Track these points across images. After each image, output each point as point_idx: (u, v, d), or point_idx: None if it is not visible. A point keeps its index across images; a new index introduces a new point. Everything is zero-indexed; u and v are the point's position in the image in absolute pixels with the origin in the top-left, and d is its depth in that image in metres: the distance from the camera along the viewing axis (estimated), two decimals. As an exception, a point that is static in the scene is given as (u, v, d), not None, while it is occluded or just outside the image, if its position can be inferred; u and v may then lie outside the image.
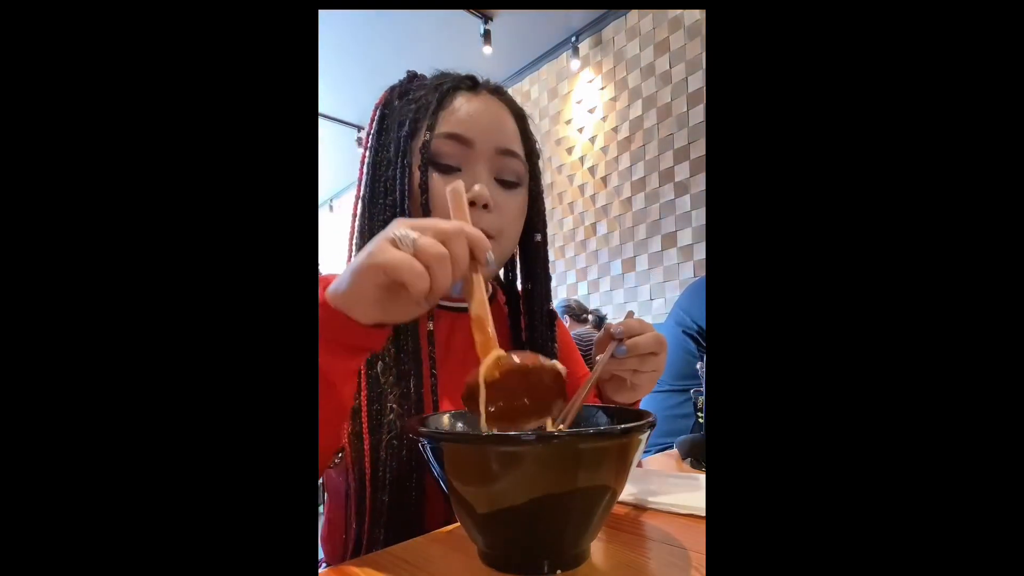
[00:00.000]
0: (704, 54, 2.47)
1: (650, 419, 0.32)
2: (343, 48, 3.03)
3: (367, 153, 0.57)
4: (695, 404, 0.76)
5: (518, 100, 0.60)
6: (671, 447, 0.78)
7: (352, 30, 2.89)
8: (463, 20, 2.86)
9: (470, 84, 0.56)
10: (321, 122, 3.76)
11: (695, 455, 0.66)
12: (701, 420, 0.74)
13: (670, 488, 0.49)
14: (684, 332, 1.09)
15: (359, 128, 3.82)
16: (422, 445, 0.32)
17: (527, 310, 0.61)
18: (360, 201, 0.56)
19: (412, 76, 0.59)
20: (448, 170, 0.52)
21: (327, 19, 2.77)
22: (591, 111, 3.02)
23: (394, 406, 0.48)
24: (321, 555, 0.58)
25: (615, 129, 2.90)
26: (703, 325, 1.07)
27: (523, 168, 0.56)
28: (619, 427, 0.31)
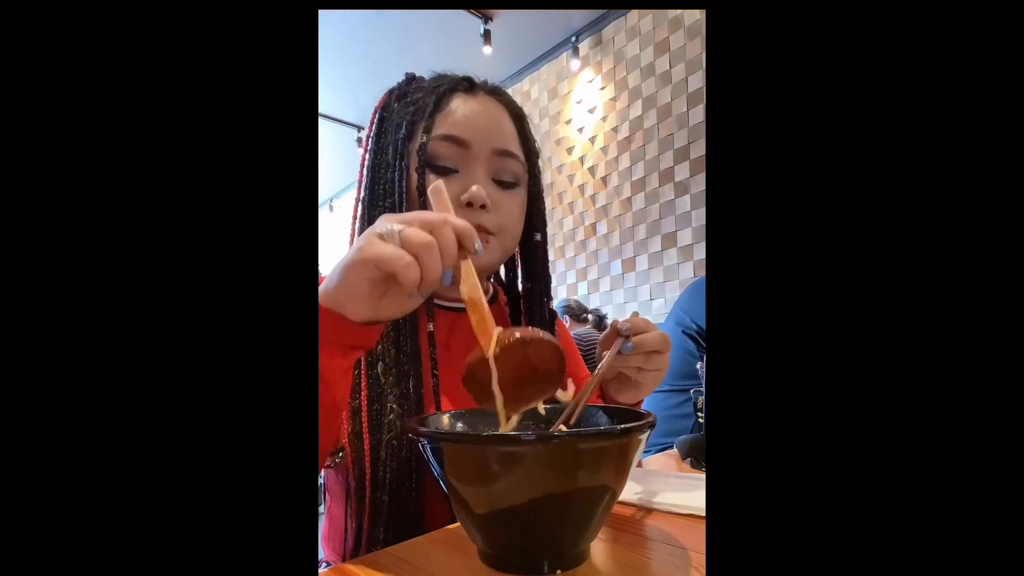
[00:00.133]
0: (704, 54, 2.47)
1: (650, 419, 0.32)
2: (343, 48, 3.03)
3: (366, 156, 0.57)
4: (695, 404, 0.76)
5: (518, 100, 0.60)
6: (671, 447, 0.78)
7: (352, 30, 2.89)
8: (463, 20, 2.86)
9: (467, 85, 0.56)
10: (321, 122, 3.75)
11: (695, 455, 0.66)
12: (701, 420, 0.74)
13: (670, 488, 0.49)
14: (684, 332, 1.09)
15: (359, 128, 3.82)
16: (422, 445, 0.32)
17: (527, 310, 0.61)
18: (360, 204, 0.56)
19: (410, 78, 0.59)
20: (445, 172, 0.52)
21: (327, 19, 2.77)
22: (591, 111, 3.02)
23: (394, 406, 0.48)
24: (322, 555, 0.58)
25: (615, 129, 2.90)
26: (703, 325, 1.07)
27: (521, 168, 0.56)
28: (619, 427, 0.31)
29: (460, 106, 0.53)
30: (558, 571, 0.33)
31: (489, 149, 0.53)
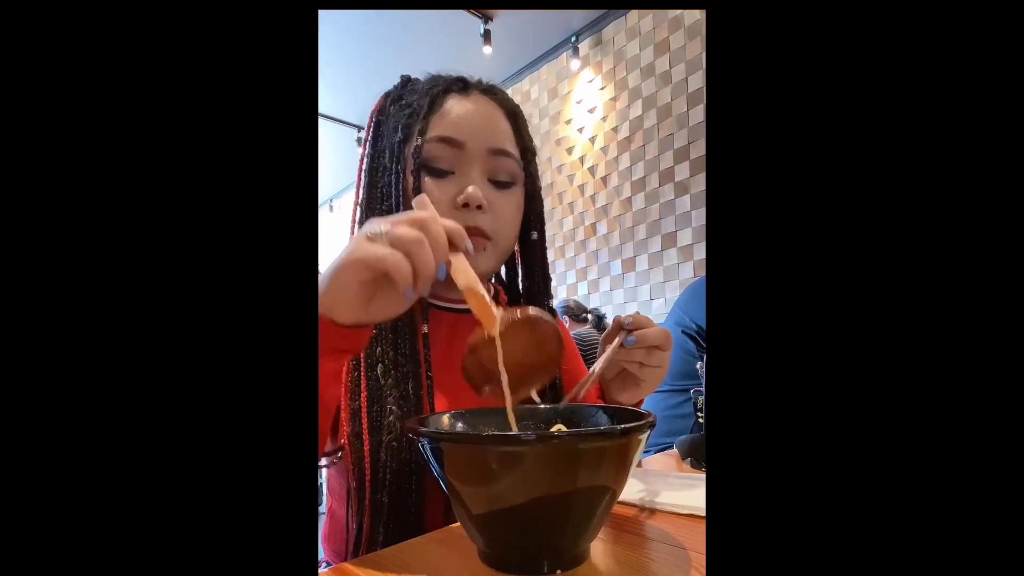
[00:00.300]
0: (704, 54, 2.47)
1: (650, 419, 0.32)
2: (343, 48, 3.03)
3: (364, 161, 0.57)
4: (695, 404, 0.76)
5: (518, 100, 0.60)
6: (671, 447, 0.78)
7: (352, 30, 2.89)
8: (463, 20, 2.86)
9: (461, 86, 0.56)
10: (321, 122, 3.76)
11: (695, 455, 0.66)
12: (701, 420, 0.74)
13: (670, 488, 0.49)
14: (684, 332, 1.09)
15: (359, 128, 3.82)
16: (422, 445, 0.32)
17: None
18: (358, 208, 0.56)
19: (406, 81, 0.59)
20: (441, 174, 0.52)
21: (327, 19, 2.77)
22: (591, 111, 3.02)
23: (394, 408, 0.48)
24: (322, 555, 0.58)
25: (615, 129, 2.90)
26: (703, 325, 1.07)
27: (517, 167, 0.56)
28: (619, 427, 0.31)
29: (454, 107, 0.53)
30: (558, 571, 0.33)
31: (484, 149, 0.53)
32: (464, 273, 0.35)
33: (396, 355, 0.50)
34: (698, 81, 2.56)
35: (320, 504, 0.70)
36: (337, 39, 2.94)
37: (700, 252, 2.53)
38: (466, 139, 0.52)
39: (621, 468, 0.32)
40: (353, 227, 0.56)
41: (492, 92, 0.57)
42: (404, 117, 0.54)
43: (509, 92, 0.60)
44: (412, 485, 0.48)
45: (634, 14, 2.82)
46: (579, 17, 2.96)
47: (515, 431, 0.38)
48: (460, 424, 0.41)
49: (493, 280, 0.68)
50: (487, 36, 2.91)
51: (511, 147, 0.55)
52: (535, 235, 0.60)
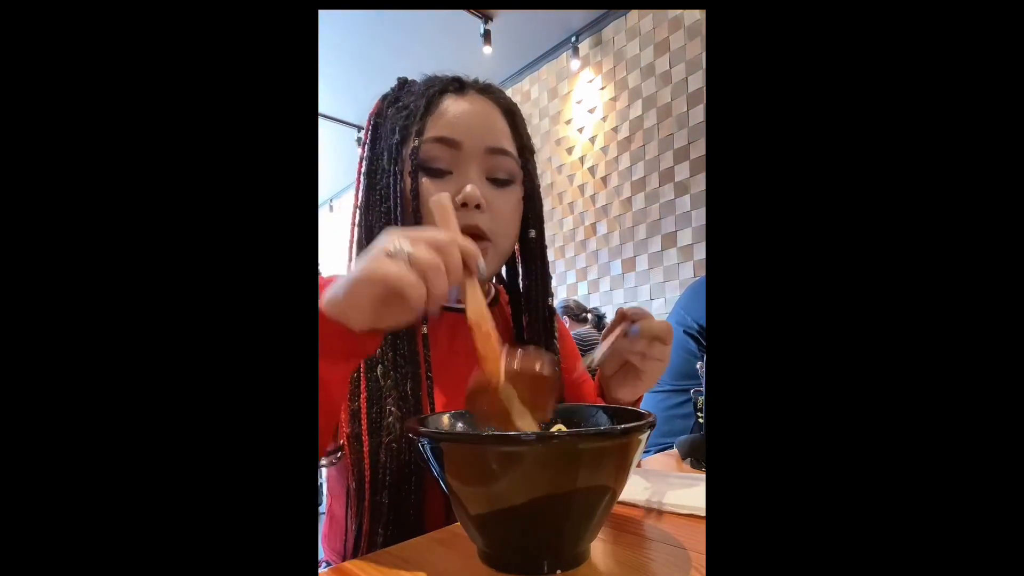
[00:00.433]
0: (704, 54, 2.47)
1: (650, 419, 0.32)
2: (343, 48, 3.03)
3: (362, 163, 0.57)
4: (695, 404, 0.76)
5: (518, 100, 0.60)
6: (671, 447, 0.78)
7: (352, 30, 2.89)
8: (463, 20, 2.86)
9: (457, 86, 0.56)
10: (321, 122, 3.76)
11: (695, 455, 0.66)
12: (701, 420, 0.74)
13: (670, 488, 0.49)
14: (685, 332, 1.09)
15: (359, 128, 3.82)
16: (422, 445, 0.32)
17: (527, 308, 0.61)
18: (358, 210, 0.56)
19: (403, 83, 0.59)
20: (439, 174, 0.52)
21: (327, 19, 2.77)
22: (591, 111, 3.02)
23: (393, 408, 0.48)
24: (322, 555, 0.58)
25: (615, 129, 2.90)
26: (704, 324, 1.07)
27: (515, 165, 0.56)
28: (619, 427, 0.31)
29: (450, 107, 0.54)
30: (558, 571, 0.33)
31: (481, 148, 0.53)
32: (475, 309, 0.36)
33: (395, 356, 0.50)
34: (698, 81, 2.55)
35: (320, 504, 0.70)
36: (337, 39, 2.94)
37: (700, 252, 2.53)
38: (463, 139, 0.52)
39: (621, 468, 0.32)
40: (353, 228, 0.56)
41: (488, 91, 0.57)
42: (401, 119, 0.54)
43: (509, 92, 0.60)
44: (412, 486, 0.48)
45: (634, 14, 2.82)
46: (579, 17, 2.96)
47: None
48: (460, 424, 0.41)
49: (493, 279, 0.68)
50: (487, 36, 2.91)
51: (508, 145, 0.55)
52: (534, 233, 0.60)
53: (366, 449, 0.47)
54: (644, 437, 0.31)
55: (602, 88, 2.97)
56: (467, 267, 0.36)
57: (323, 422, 0.42)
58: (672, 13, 2.65)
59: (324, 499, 0.61)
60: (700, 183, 2.53)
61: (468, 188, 0.51)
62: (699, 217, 2.53)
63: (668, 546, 0.37)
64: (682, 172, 2.61)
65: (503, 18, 2.90)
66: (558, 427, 0.41)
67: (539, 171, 0.62)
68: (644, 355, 0.51)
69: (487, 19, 2.89)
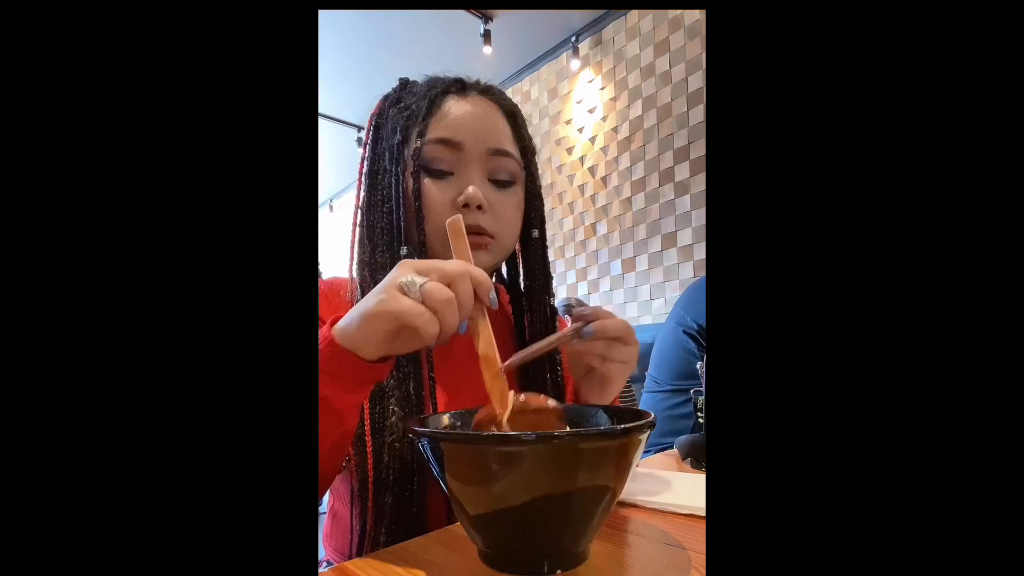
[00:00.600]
0: (704, 54, 2.47)
1: (650, 419, 0.32)
2: (343, 48, 3.03)
3: (363, 163, 0.57)
4: (695, 404, 0.76)
5: (518, 100, 0.60)
6: (671, 447, 0.78)
7: (352, 30, 2.89)
8: (463, 20, 2.86)
9: (459, 87, 0.56)
10: (321, 122, 3.75)
11: (695, 455, 0.66)
12: (701, 420, 0.74)
13: (670, 488, 0.49)
14: (685, 332, 1.09)
15: (359, 128, 3.82)
16: (422, 445, 0.32)
17: (528, 308, 0.61)
18: (359, 210, 0.56)
19: (404, 84, 0.60)
20: (441, 175, 0.52)
21: (327, 19, 2.77)
22: (591, 111, 3.02)
23: (395, 408, 0.48)
24: (324, 554, 0.58)
25: (615, 129, 2.90)
26: (703, 324, 1.07)
27: (517, 166, 0.56)
28: (619, 427, 0.31)
29: (452, 108, 0.54)
30: (558, 571, 0.33)
31: (483, 149, 0.53)
32: (486, 344, 0.37)
33: (397, 356, 0.50)
34: (698, 81, 2.55)
35: (322, 504, 0.70)
36: (337, 39, 2.94)
37: (700, 252, 2.53)
38: (465, 140, 0.52)
39: (621, 468, 0.32)
40: (354, 229, 0.57)
41: (490, 92, 0.57)
42: (403, 119, 0.54)
43: (509, 92, 0.60)
44: (415, 485, 0.48)
45: (634, 14, 2.82)
46: (579, 17, 2.96)
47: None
48: (460, 424, 0.41)
49: (494, 279, 0.68)
50: (487, 36, 2.91)
51: (510, 147, 0.55)
52: (536, 234, 0.61)
53: (369, 449, 0.48)
54: (644, 437, 0.31)
55: (602, 88, 2.97)
56: (478, 299, 0.37)
57: (335, 447, 0.42)
58: (672, 13, 2.65)
59: (326, 498, 0.61)
60: (700, 183, 2.53)
61: (470, 189, 0.51)
62: (699, 217, 2.53)
63: (668, 546, 0.37)
64: (682, 172, 2.61)
65: (503, 18, 2.90)
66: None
67: (539, 171, 0.62)
68: (604, 357, 0.50)
69: (487, 19, 2.88)
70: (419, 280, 0.35)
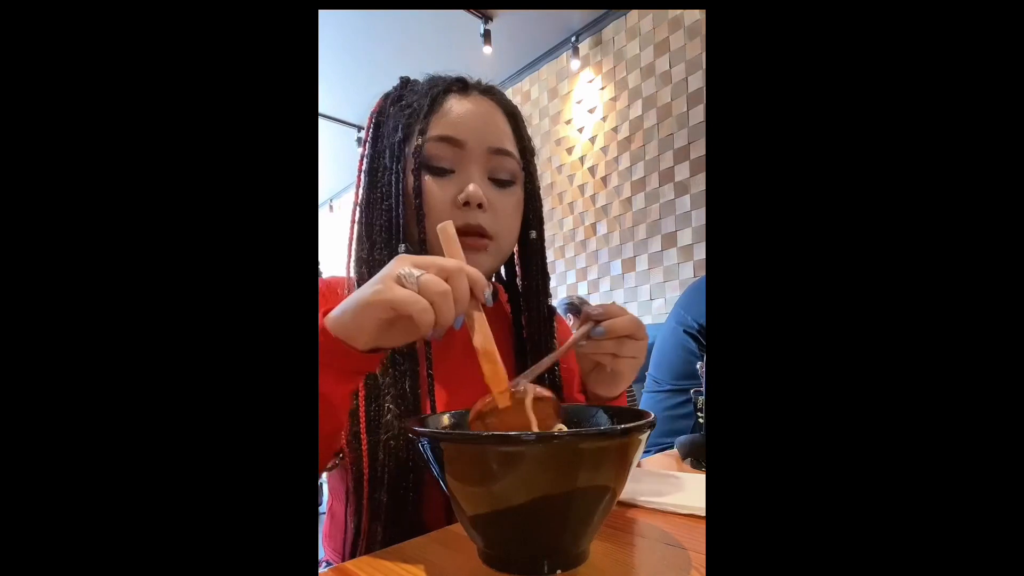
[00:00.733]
0: (704, 54, 2.47)
1: (650, 419, 0.32)
2: (343, 48, 3.03)
3: (363, 160, 0.57)
4: (695, 404, 0.76)
5: (518, 100, 0.61)
6: (671, 447, 0.78)
7: (352, 30, 2.89)
8: (463, 20, 2.86)
9: (460, 86, 0.56)
10: (321, 122, 3.75)
11: (695, 455, 0.66)
12: (701, 420, 0.74)
13: (670, 488, 0.49)
14: (685, 332, 1.09)
15: (359, 128, 3.82)
16: (422, 445, 0.32)
17: (526, 307, 0.61)
18: (358, 207, 0.56)
19: (405, 82, 0.60)
20: (442, 172, 0.53)
21: (327, 19, 2.77)
22: (591, 111, 3.02)
23: (391, 406, 0.48)
24: (323, 554, 0.58)
25: (615, 129, 2.90)
26: (704, 324, 1.07)
27: (517, 166, 0.56)
28: (619, 427, 0.31)
29: (454, 106, 0.54)
30: (558, 571, 0.33)
31: (484, 148, 0.53)
32: (483, 337, 0.37)
33: (394, 354, 0.50)
34: (698, 81, 2.55)
35: (320, 504, 0.70)
36: (337, 39, 2.94)
37: (700, 252, 2.53)
38: (467, 138, 0.52)
39: (621, 468, 0.32)
40: (353, 228, 0.57)
41: (491, 92, 0.58)
42: (404, 117, 0.54)
43: (509, 92, 0.61)
44: (411, 484, 0.48)
45: (634, 14, 2.82)
46: (579, 17, 2.96)
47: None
48: (460, 424, 0.41)
49: (493, 279, 0.68)
50: (487, 36, 2.91)
51: (511, 147, 0.56)
52: (534, 234, 0.61)
53: (364, 447, 0.47)
54: (644, 437, 0.31)
55: (602, 88, 2.97)
56: (474, 295, 0.37)
57: (326, 439, 0.42)
58: (672, 13, 2.65)
59: (325, 498, 0.61)
60: (700, 183, 2.53)
61: (471, 188, 0.51)
62: (699, 217, 2.53)
63: (668, 546, 0.37)
64: (682, 172, 2.61)
65: (503, 18, 2.90)
66: (558, 427, 0.41)
67: (539, 171, 0.62)
68: (615, 355, 0.49)
69: (487, 19, 2.88)
70: (416, 272, 0.35)
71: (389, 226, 0.53)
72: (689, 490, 0.49)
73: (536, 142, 0.62)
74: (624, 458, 0.31)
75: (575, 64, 3.07)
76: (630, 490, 0.49)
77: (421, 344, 0.52)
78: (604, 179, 2.95)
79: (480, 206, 0.52)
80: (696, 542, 0.37)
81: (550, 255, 0.63)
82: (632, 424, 0.30)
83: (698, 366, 0.76)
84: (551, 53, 3.21)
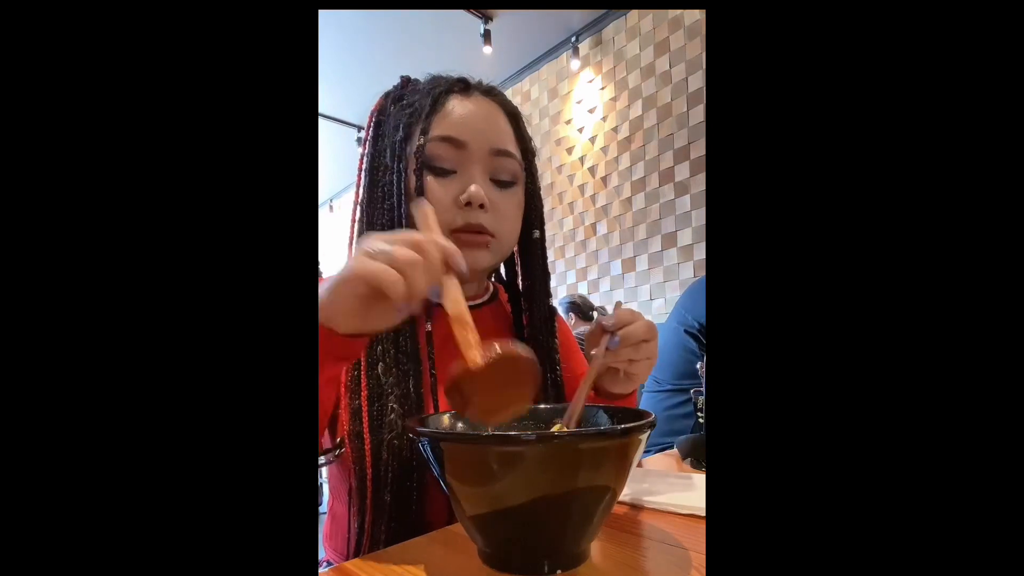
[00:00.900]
0: (704, 54, 2.47)
1: (650, 419, 0.32)
2: (343, 48, 3.03)
3: (364, 160, 0.57)
4: (695, 404, 0.76)
5: (518, 100, 0.61)
6: (671, 447, 0.78)
7: (352, 30, 2.89)
8: (463, 20, 2.86)
9: (462, 86, 0.56)
10: (321, 122, 3.75)
11: (695, 455, 0.66)
12: (701, 420, 0.74)
13: (670, 488, 0.49)
14: (685, 331, 1.09)
15: (359, 128, 3.82)
16: (422, 445, 0.32)
17: (527, 307, 0.61)
18: (359, 207, 0.56)
19: (406, 81, 0.60)
20: (443, 173, 0.53)
21: (327, 19, 2.77)
22: (591, 111, 3.02)
23: (395, 406, 0.48)
24: (324, 554, 0.58)
25: (615, 129, 2.90)
26: (705, 324, 1.07)
27: (518, 167, 0.56)
28: (619, 427, 0.31)
29: (456, 107, 0.54)
30: (558, 571, 0.33)
31: (486, 149, 0.53)
32: (454, 302, 0.36)
33: (397, 353, 0.50)
34: (698, 81, 2.55)
35: (321, 504, 0.70)
36: (337, 39, 2.94)
37: (700, 252, 2.53)
38: (468, 139, 0.52)
39: (621, 468, 0.32)
40: (353, 227, 0.57)
41: (492, 93, 0.58)
42: (405, 117, 0.54)
43: (509, 92, 0.61)
44: (414, 483, 0.48)
45: (634, 14, 2.82)
46: (579, 17, 2.96)
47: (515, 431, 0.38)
48: (460, 424, 0.41)
49: (492, 278, 0.68)
50: (487, 36, 2.91)
51: (512, 147, 0.56)
52: (536, 234, 0.61)
53: (367, 447, 0.48)
54: (644, 437, 0.31)
55: (602, 88, 2.97)
56: (448, 266, 0.36)
57: None
58: (672, 13, 2.65)
59: (325, 498, 0.61)
60: (700, 183, 2.53)
61: (472, 188, 0.51)
62: (699, 217, 2.53)
63: (668, 546, 0.37)
64: (682, 172, 2.61)
65: (503, 18, 2.90)
66: (558, 427, 0.41)
67: (539, 171, 0.62)
68: (631, 360, 0.50)
69: (487, 19, 2.88)
70: (387, 246, 0.35)
71: (391, 225, 0.53)
72: (689, 490, 0.49)
73: (536, 142, 0.62)
74: (624, 458, 0.31)
75: (575, 64, 3.07)
76: (630, 490, 0.49)
77: (424, 344, 0.52)
78: (604, 179, 2.95)
79: (482, 206, 0.52)
80: (696, 542, 0.37)
81: (550, 255, 0.64)
82: (632, 424, 0.30)
83: (698, 366, 0.76)
84: (551, 53, 3.21)
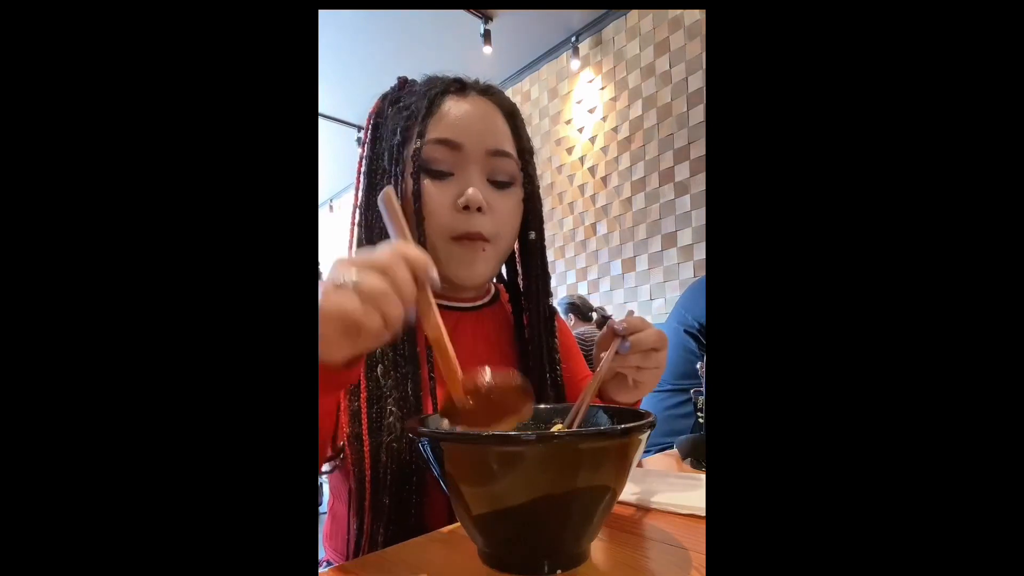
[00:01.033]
0: (704, 54, 2.47)
1: (650, 419, 0.32)
2: (343, 48, 3.03)
3: (362, 163, 0.57)
4: (695, 404, 0.76)
5: (518, 100, 0.61)
6: (671, 447, 0.78)
7: (352, 30, 2.89)
8: (463, 20, 2.86)
9: (458, 87, 0.56)
10: (321, 122, 3.76)
11: (695, 455, 0.66)
12: (701, 420, 0.74)
13: (670, 488, 0.49)
14: (685, 331, 1.09)
15: (359, 128, 3.82)
16: (422, 445, 0.32)
17: (527, 307, 0.61)
18: (358, 209, 0.56)
19: (403, 83, 0.59)
20: (441, 175, 0.52)
21: (327, 19, 2.77)
22: (591, 111, 3.02)
23: (393, 408, 0.48)
24: (324, 554, 0.58)
25: (615, 129, 2.90)
26: (704, 323, 1.07)
27: (516, 167, 0.56)
28: (619, 427, 0.31)
29: (452, 108, 0.54)
30: (558, 571, 0.33)
31: (483, 150, 0.53)
32: (432, 327, 0.35)
33: (396, 356, 0.50)
34: (698, 81, 2.56)
35: (322, 504, 0.70)
36: (337, 39, 2.94)
37: (700, 252, 2.53)
38: (465, 141, 0.52)
39: (621, 468, 0.32)
40: (352, 227, 0.57)
41: (489, 92, 0.57)
42: (402, 119, 0.54)
43: (509, 92, 0.61)
44: (413, 485, 0.48)
45: (634, 14, 2.82)
46: (579, 17, 2.96)
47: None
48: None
49: (494, 279, 0.68)
50: (487, 36, 2.91)
51: (509, 147, 0.56)
52: (534, 235, 0.61)
53: (367, 449, 0.47)
54: (644, 437, 0.31)
55: (602, 88, 2.97)
56: (417, 281, 0.35)
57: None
58: (672, 13, 2.65)
59: (326, 498, 0.61)
60: (700, 183, 2.53)
61: (470, 191, 0.51)
62: (699, 217, 2.53)
63: (668, 546, 0.37)
64: (682, 172, 2.61)
65: (503, 18, 2.90)
66: (558, 427, 0.41)
67: (539, 171, 0.62)
68: (639, 367, 0.50)
69: (487, 19, 2.89)
70: (352, 276, 0.33)
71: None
72: (689, 490, 0.49)
73: (536, 142, 0.62)
74: (624, 458, 0.31)
75: (575, 64, 3.07)
76: (630, 490, 0.49)
77: (422, 346, 0.52)
78: (604, 179, 2.95)
79: (480, 209, 0.52)
80: (696, 542, 0.37)
81: (550, 255, 0.63)
82: (632, 424, 0.30)
83: (698, 366, 0.76)
84: (551, 53, 3.21)
